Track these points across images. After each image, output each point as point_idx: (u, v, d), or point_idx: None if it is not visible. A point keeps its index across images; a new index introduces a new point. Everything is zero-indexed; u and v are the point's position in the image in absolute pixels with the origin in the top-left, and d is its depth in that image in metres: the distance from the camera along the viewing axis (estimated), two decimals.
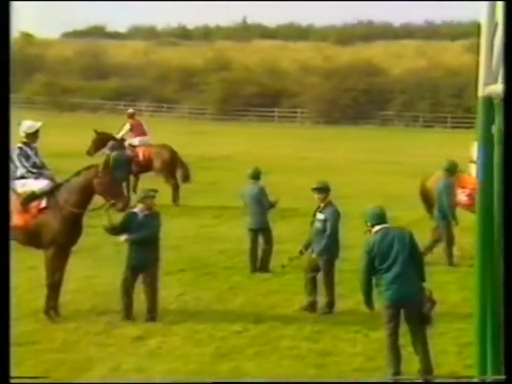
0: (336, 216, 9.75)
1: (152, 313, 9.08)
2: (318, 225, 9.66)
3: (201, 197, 18.92)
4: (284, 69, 63.07)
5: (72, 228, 9.18)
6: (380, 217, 7.44)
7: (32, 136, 9.50)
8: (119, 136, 18.47)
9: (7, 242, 6.35)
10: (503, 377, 5.64)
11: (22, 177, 9.30)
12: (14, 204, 9.14)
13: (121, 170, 16.98)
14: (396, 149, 35.39)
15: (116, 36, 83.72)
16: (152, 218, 9.28)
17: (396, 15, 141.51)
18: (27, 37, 78.63)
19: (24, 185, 9.24)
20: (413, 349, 7.33)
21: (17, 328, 8.52)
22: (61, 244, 9.16)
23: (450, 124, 53.07)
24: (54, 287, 9.17)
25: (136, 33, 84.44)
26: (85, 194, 9.11)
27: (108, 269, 11.37)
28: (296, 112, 57.91)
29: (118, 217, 9.47)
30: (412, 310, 7.19)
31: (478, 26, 6.12)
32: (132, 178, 17.70)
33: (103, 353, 7.89)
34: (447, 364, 7.81)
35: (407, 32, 76.42)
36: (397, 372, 7.30)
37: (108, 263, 11.76)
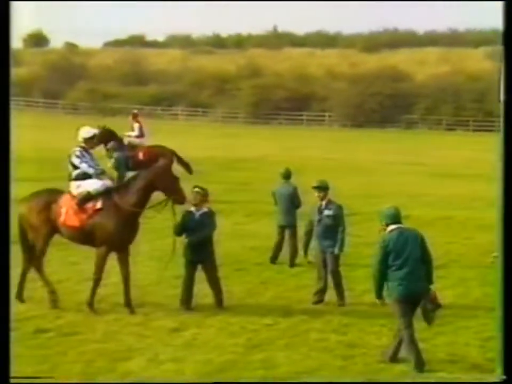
0: (343, 211, 9.83)
1: (219, 297, 9.30)
2: (327, 221, 9.63)
3: (233, 196, 18.94)
4: (312, 75, 62.92)
5: (130, 227, 9.14)
6: (395, 217, 7.50)
7: (89, 141, 9.48)
8: (133, 135, 18.72)
9: (7, 242, 6.31)
10: (503, 377, 5.52)
11: (77, 178, 9.24)
12: (70, 204, 9.13)
13: (122, 169, 17.46)
14: (420, 150, 35.08)
15: (154, 44, 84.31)
16: (208, 216, 9.42)
17: (420, 23, 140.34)
18: (71, 47, 79.57)
19: (79, 186, 9.18)
20: (397, 334, 7.48)
21: (60, 320, 8.60)
22: (116, 243, 9.11)
23: (472, 127, 52.54)
24: (99, 283, 9.17)
25: (173, 42, 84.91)
26: (146, 193, 9.13)
27: (144, 264, 11.42)
28: (324, 116, 57.72)
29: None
30: (419, 306, 7.36)
31: (499, 33, 6.03)
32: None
33: (142, 344, 7.89)
34: (469, 356, 7.69)
35: (430, 39, 75.80)
36: (420, 362, 7.23)
37: (145, 258, 11.81)
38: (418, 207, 17.39)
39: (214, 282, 9.40)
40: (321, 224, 9.71)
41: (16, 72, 70.51)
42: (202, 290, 9.78)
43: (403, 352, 7.38)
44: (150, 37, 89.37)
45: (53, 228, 9.24)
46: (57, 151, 29.57)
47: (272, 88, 59.28)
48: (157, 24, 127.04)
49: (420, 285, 7.31)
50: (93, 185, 9.17)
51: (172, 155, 18.44)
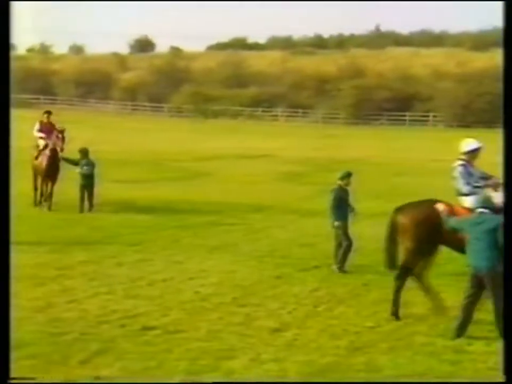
0: None
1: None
2: None
3: None
4: (416, 75, 61.73)
5: None
6: (485, 203, 8.31)
7: (471, 154, 9.32)
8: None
9: (7, 242, 6.40)
10: (503, 377, 5.30)
11: (469, 194, 9.01)
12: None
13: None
14: None
15: (255, 47, 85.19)
16: None
17: None
18: (176, 51, 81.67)
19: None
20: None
21: (165, 318, 8.80)
22: None
23: None
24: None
25: (275, 43, 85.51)
26: None
27: (246, 264, 11.55)
28: (428, 116, 56.47)
29: None
30: (487, 280, 8.07)
31: None
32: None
33: (244, 343, 7.96)
34: None
35: None
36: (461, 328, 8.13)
37: (246, 258, 11.94)
38: None
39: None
40: None
41: (124, 78, 73.13)
42: (300, 291, 9.77)
43: None
44: (251, 39, 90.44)
45: (440, 241, 9.00)
46: (159, 154, 30.54)
47: (374, 89, 58.64)
48: (258, 26, 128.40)
49: (482, 264, 8.06)
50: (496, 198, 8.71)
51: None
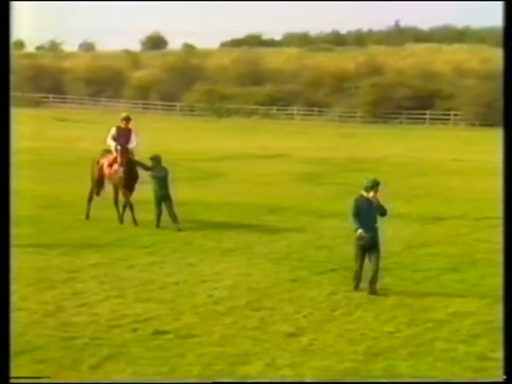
0: None
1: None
2: None
3: (350, 198, 18.73)
4: (438, 72, 61.53)
5: None
6: None
7: None
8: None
9: (7, 242, 6.41)
10: (504, 377, 5.26)
11: None
12: None
13: None
14: None
15: (271, 43, 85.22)
16: None
17: None
18: (189, 48, 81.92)
19: None
20: None
21: (178, 322, 8.83)
22: None
23: None
24: None
25: (291, 40, 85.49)
26: None
27: (260, 267, 11.55)
28: (449, 115, 56.23)
29: None
30: None
31: None
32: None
33: (259, 348, 7.97)
34: None
35: None
36: None
37: (261, 261, 11.94)
38: None
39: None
40: None
41: (136, 75, 73.42)
42: (317, 295, 9.76)
43: None
44: (267, 36, 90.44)
45: None
46: (171, 154, 30.55)
47: (393, 86, 58.55)
48: (274, 22, 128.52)
49: None
50: None
51: None
